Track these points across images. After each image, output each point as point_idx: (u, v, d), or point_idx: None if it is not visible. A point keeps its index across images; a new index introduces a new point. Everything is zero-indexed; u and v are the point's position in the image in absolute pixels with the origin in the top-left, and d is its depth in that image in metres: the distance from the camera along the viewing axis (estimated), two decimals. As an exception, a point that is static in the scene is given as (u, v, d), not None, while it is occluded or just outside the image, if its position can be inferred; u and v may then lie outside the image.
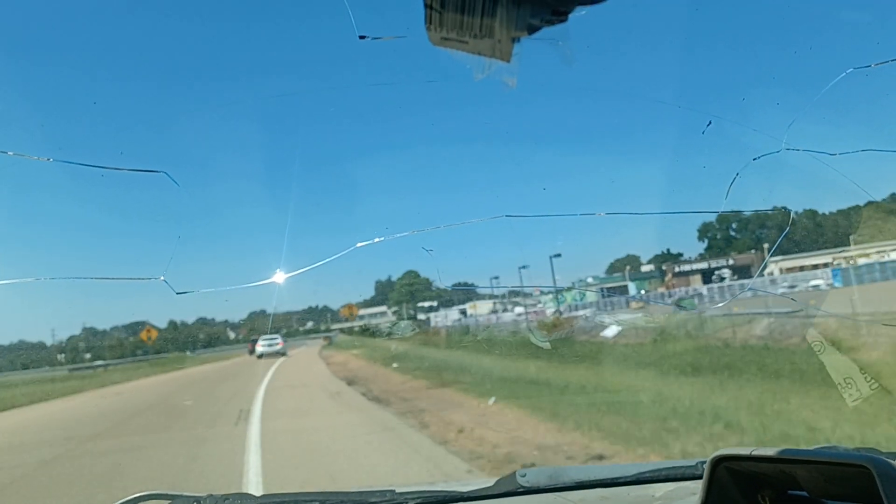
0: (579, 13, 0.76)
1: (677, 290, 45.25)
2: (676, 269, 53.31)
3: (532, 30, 0.78)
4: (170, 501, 1.85)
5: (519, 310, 46.60)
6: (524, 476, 1.91)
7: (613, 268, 50.13)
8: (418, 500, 1.81)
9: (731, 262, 51.38)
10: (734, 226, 64.26)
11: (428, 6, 0.76)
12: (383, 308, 66.82)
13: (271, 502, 1.86)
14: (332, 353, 34.41)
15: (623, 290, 49.65)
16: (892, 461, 1.19)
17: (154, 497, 1.85)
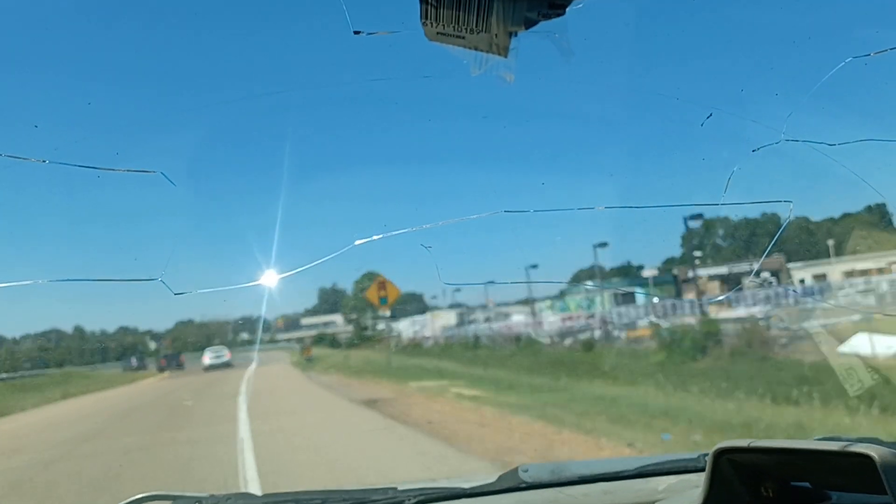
0: (576, 6, 0.75)
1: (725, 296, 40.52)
2: (690, 274, 50.30)
3: (529, 24, 0.77)
4: (171, 501, 1.85)
5: (518, 317, 43.44)
6: (526, 471, 1.91)
7: (578, 277, 47.22)
8: (420, 498, 1.81)
9: (754, 266, 48.57)
10: (721, 233, 62.41)
11: (424, 1, 0.76)
12: (332, 317, 62.02)
13: (273, 501, 1.86)
14: (361, 386, 17.98)
15: (629, 297, 46.12)
16: (894, 451, 1.19)
17: (156, 498, 1.85)
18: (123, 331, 55.14)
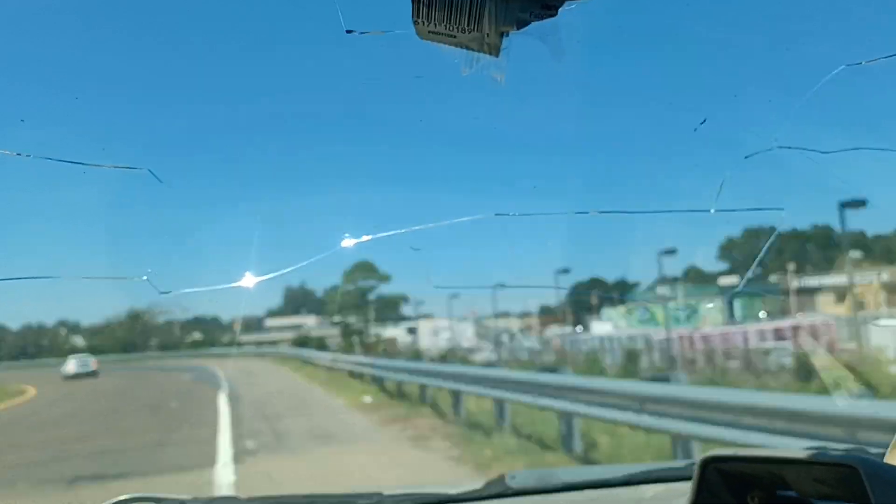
0: (569, 7, 0.76)
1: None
2: (799, 285, 43.17)
3: (521, 24, 0.78)
4: (155, 503, 1.83)
5: (576, 331, 34.88)
6: (513, 478, 1.90)
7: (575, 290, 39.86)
8: (406, 502, 1.79)
9: (883, 276, 42.67)
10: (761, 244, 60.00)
11: (416, 0, 0.76)
12: (303, 318, 52.81)
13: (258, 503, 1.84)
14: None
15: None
16: (880, 461, 1.18)
17: (139, 500, 1.83)
18: (61, 325, 50.28)
